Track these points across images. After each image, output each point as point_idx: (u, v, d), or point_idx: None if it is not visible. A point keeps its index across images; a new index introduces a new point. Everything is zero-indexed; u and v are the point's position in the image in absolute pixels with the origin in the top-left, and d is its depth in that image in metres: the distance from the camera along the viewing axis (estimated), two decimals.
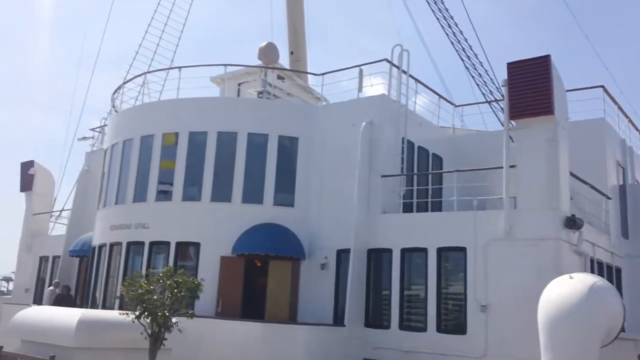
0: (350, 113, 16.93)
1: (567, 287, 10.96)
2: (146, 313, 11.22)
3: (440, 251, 14.71)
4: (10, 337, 14.07)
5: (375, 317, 15.44)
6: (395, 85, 17.10)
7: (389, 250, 15.43)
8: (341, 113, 17.28)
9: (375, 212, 15.90)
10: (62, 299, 19.17)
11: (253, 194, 17.02)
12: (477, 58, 19.44)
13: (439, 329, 14.34)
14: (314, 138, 17.37)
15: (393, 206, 16.16)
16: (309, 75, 22.19)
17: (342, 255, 16.13)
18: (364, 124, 16.21)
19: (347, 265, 15.48)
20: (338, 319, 15.67)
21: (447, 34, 19.28)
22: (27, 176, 26.72)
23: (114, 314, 12.26)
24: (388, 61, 16.97)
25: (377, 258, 15.77)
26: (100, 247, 19.10)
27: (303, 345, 14.09)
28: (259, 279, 16.80)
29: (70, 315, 11.76)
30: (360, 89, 17.16)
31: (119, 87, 20.94)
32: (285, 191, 17.19)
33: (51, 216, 26.94)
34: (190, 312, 11.90)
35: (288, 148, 17.44)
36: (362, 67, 17.15)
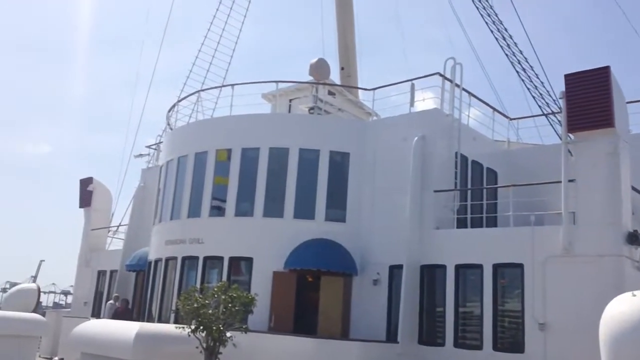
0: (402, 128, 16.84)
1: (630, 305, 10.49)
2: (201, 327, 11.36)
3: (497, 267, 14.38)
4: (71, 350, 14.47)
5: (429, 334, 15.19)
6: (448, 99, 16.94)
7: (443, 267, 15.19)
8: (393, 128, 17.21)
9: (428, 228, 15.69)
10: (121, 313, 19.64)
11: (305, 210, 17.08)
12: (532, 70, 19.04)
13: (496, 347, 13.99)
14: (365, 153, 17.34)
15: (446, 222, 15.93)
16: (360, 91, 22.23)
17: (395, 271, 15.99)
18: (416, 138, 16.09)
19: (400, 281, 15.34)
20: (391, 336, 15.49)
21: (501, 46, 18.98)
22: (86, 192, 27.53)
23: (170, 328, 12.46)
24: (440, 75, 16.83)
25: (431, 274, 15.55)
26: (156, 261, 19.49)
27: None
28: (311, 294, 16.79)
29: (128, 329, 12.01)
30: (412, 103, 17.06)
31: (174, 105, 21.46)
32: (337, 207, 17.20)
33: (109, 231, 27.65)
34: (244, 327, 11.98)
35: (339, 163, 17.46)
36: (414, 81, 17.07)
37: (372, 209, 16.94)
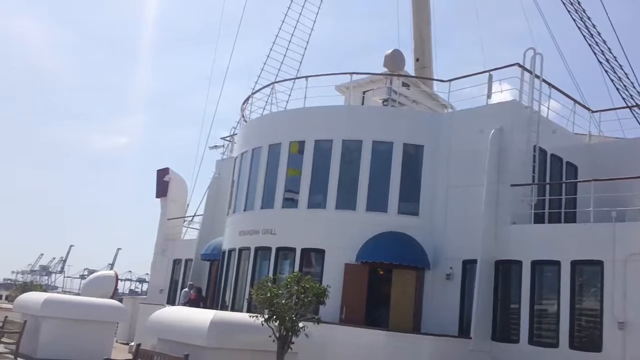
0: (478, 120, 16.46)
1: None
2: (274, 317, 11.48)
3: (575, 264, 13.92)
4: (147, 335, 14.91)
5: (503, 331, 14.88)
6: (527, 91, 16.40)
7: (519, 262, 14.80)
8: (469, 120, 16.85)
9: (504, 223, 15.31)
10: (194, 301, 20.17)
11: (377, 202, 17.00)
12: (616, 61, 18.17)
13: (572, 345, 13.61)
14: (440, 146, 17.06)
15: (523, 217, 15.48)
16: (435, 83, 21.86)
17: (468, 266, 15.71)
18: (493, 131, 15.69)
19: (474, 276, 15.07)
20: (463, 331, 15.25)
21: (584, 35, 18.19)
22: (163, 183, 28.38)
23: (244, 316, 12.66)
24: (520, 65, 16.32)
25: (506, 270, 15.19)
26: (230, 251, 19.91)
27: (427, 355, 13.91)
28: (383, 288, 16.71)
29: (203, 316, 12.26)
30: (489, 95, 16.64)
31: (248, 98, 21.78)
32: (410, 200, 17.02)
33: (184, 221, 28.44)
34: (317, 318, 12.03)
35: (413, 156, 17.26)
36: (491, 72, 16.62)
37: (445, 203, 16.67)
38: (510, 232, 15.18)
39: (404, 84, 20.39)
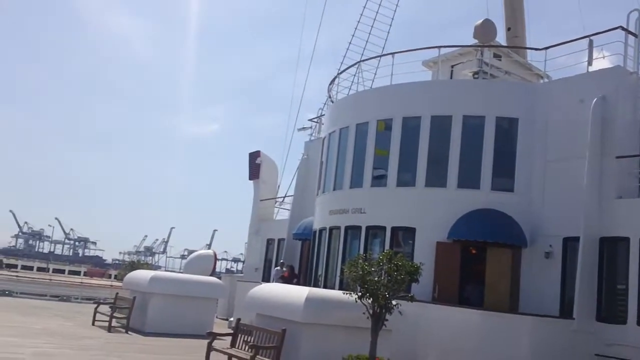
0: (578, 89, 15.54)
1: None
2: (368, 294, 11.42)
3: None
4: (246, 311, 15.38)
5: (609, 311, 14.10)
6: (632, 55, 15.28)
7: (626, 239, 13.90)
8: (567, 89, 15.94)
9: (608, 197, 14.43)
10: (287, 278, 20.55)
11: (469, 179, 16.51)
12: None
13: None
14: (535, 118, 16.28)
15: (630, 190, 14.53)
16: (529, 52, 20.85)
17: (570, 244, 14.99)
18: (595, 100, 14.76)
19: (576, 255, 14.36)
20: (565, 311, 14.60)
21: None
22: (255, 165, 29.03)
23: (337, 293, 12.70)
24: (623, 29, 15.21)
25: (611, 247, 14.33)
26: (321, 230, 20.05)
27: (527, 336, 13.38)
28: (476, 266, 16.25)
29: (299, 293, 12.41)
30: (590, 61, 15.63)
31: (334, 78, 21.73)
32: (504, 175, 16.40)
33: (275, 202, 29.01)
34: (410, 295, 11.87)
35: (507, 130, 16.59)
36: (591, 37, 15.60)
37: (543, 178, 15.93)
38: (616, 206, 14.29)
39: (495, 55, 19.58)
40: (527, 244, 15.77)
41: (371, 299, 11.41)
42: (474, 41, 19.85)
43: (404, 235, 17.27)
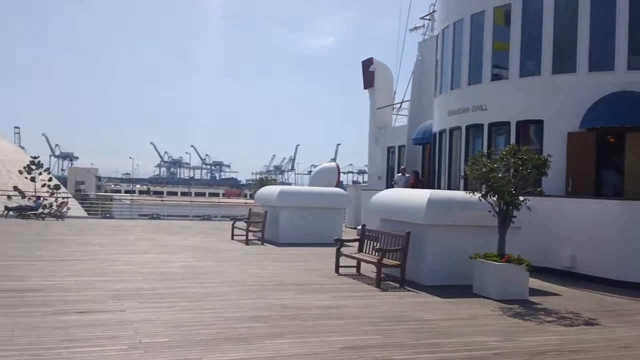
0: None
1: None
2: (492, 192, 10.99)
3: None
4: (370, 217, 15.61)
5: None
6: None
7: None
8: None
9: None
10: (413, 184, 20.50)
11: (601, 60, 15.01)
12: None
13: None
14: None
15: None
16: None
17: None
18: None
19: None
20: None
21: None
22: (369, 74, 28.54)
23: (460, 194, 12.41)
24: None
25: None
26: (441, 133, 19.49)
27: None
28: (613, 155, 15.02)
29: (420, 196, 12.27)
30: None
31: None
32: None
33: (393, 109, 28.55)
34: (539, 189, 11.26)
35: None
36: None
37: None
38: None
39: None
40: None
41: (496, 197, 10.99)
42: None
43: (531, 129, 16.30)
